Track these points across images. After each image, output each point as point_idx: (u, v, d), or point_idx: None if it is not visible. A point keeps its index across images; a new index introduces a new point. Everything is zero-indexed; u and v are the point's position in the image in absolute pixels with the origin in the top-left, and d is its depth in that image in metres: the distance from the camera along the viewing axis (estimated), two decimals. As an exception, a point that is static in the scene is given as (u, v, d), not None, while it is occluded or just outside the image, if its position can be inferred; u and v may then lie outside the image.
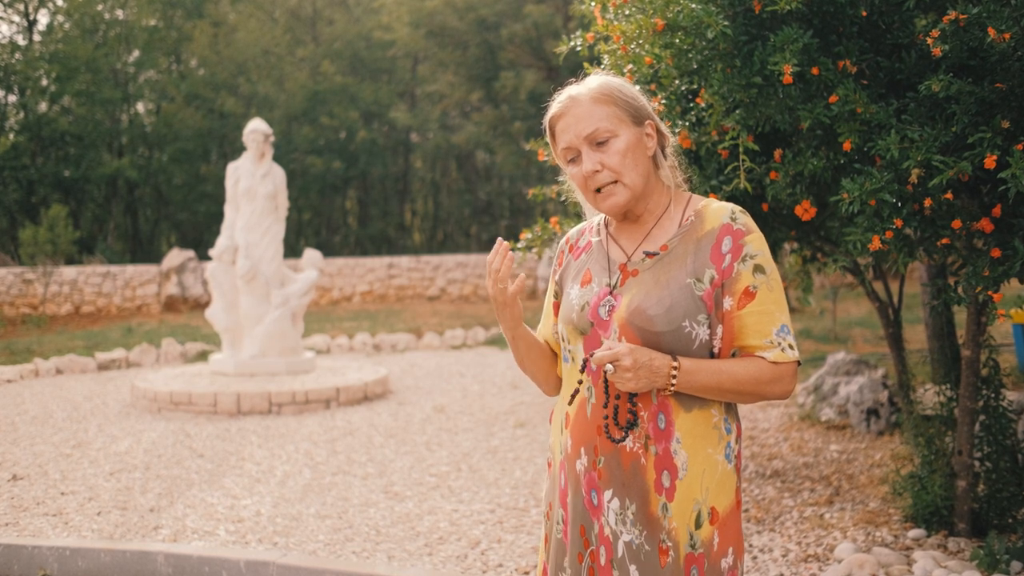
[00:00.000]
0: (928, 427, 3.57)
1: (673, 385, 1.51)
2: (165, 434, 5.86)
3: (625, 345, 1.50)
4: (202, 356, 9.77)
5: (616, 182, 1.58)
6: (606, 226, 1.70)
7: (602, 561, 1.59)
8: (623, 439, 1.55)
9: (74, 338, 11.40)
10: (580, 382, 1.61)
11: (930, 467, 3.50)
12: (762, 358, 1.52)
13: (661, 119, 3.19)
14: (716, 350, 1.55)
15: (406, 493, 4.44)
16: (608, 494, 1.58)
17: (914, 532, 3.44)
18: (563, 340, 1.68)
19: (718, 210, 1.58)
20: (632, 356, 1.48)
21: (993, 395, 3.38)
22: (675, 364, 1.50)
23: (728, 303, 1.54)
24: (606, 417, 1.56)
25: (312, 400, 6.73)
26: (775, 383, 1.52)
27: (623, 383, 1.50)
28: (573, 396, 1.63)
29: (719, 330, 1.54)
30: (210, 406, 6.56)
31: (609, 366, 1.49)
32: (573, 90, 1.62)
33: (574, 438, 1.63)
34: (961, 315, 5.25)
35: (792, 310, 12.69)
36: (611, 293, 1.59)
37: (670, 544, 1.54)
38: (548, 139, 1.66)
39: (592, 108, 1.58)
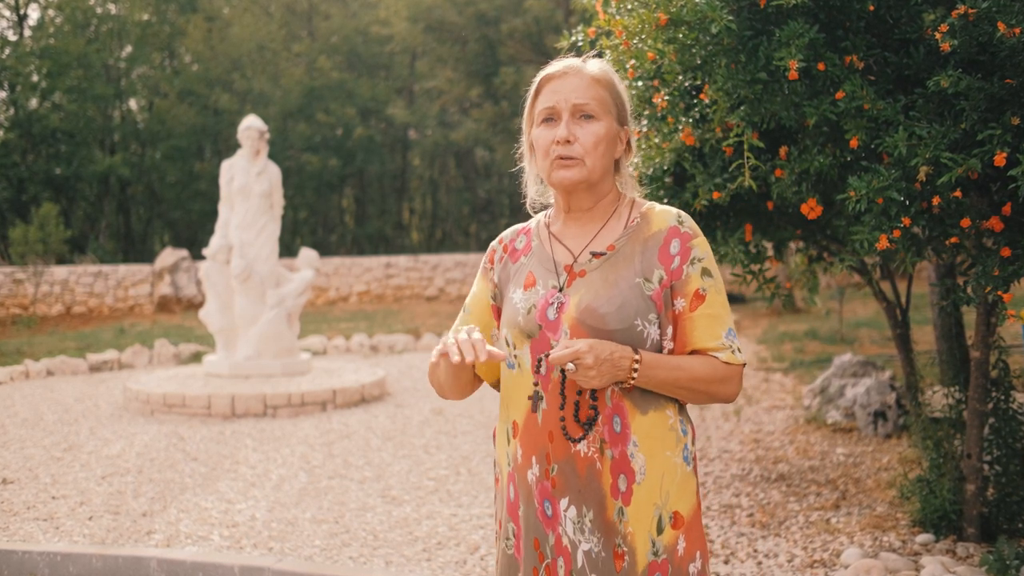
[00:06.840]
0: (936, 430, 3.52)
1: (633, 379, 1.49)
2: (158, 437, 5.79)
3: (584, 342, 1.47)
4: (196, 357, 9.69)
5: (580, 159, 1.57)
6: (547, 227, 1.68)
7: (560, 574, 1.55)
8: (583, 437, 1.52)
9: (65, 339, 11.31)
10: (536, 384, 1.56)
11: (938, 471, 3.46)
12: (715, 358, 1.54)
13: (664, 115, 3.16)
14: (667, 351, 1.56)
15: (404, 497, 4.38)
16: (564, 502, 1.55)
17: (922, 537, 3.39)
18: (508, 345, 1.63)
19: (663, 213, 1.60)
20: (593, 353, 1.45)
21: (1003, 397, 3.34)
22: (636, 357, 1.49)
23: (680, 304, 1.55)
24: (563, 419, 1.53)
25: (308, 402, 6.66)
26: (726, 383, 1.54)
27: (587, 381, 1.47)
28: (531, 399, 1.58)
29: (668, 330, 1.56)
30: (204, 408, 6.49)
31: (570, 365, 1.46)
32: (577, 61, 1.62)
33: (524, 447, 1.59)
34: (970, 316, 5.21)
35: (798, 311, 12.66)
36: (560, 293, 1.57)
37: (625, 549, 1.52)
38: (530, 96, 1.64)
39: (591, 85, 1.59)
